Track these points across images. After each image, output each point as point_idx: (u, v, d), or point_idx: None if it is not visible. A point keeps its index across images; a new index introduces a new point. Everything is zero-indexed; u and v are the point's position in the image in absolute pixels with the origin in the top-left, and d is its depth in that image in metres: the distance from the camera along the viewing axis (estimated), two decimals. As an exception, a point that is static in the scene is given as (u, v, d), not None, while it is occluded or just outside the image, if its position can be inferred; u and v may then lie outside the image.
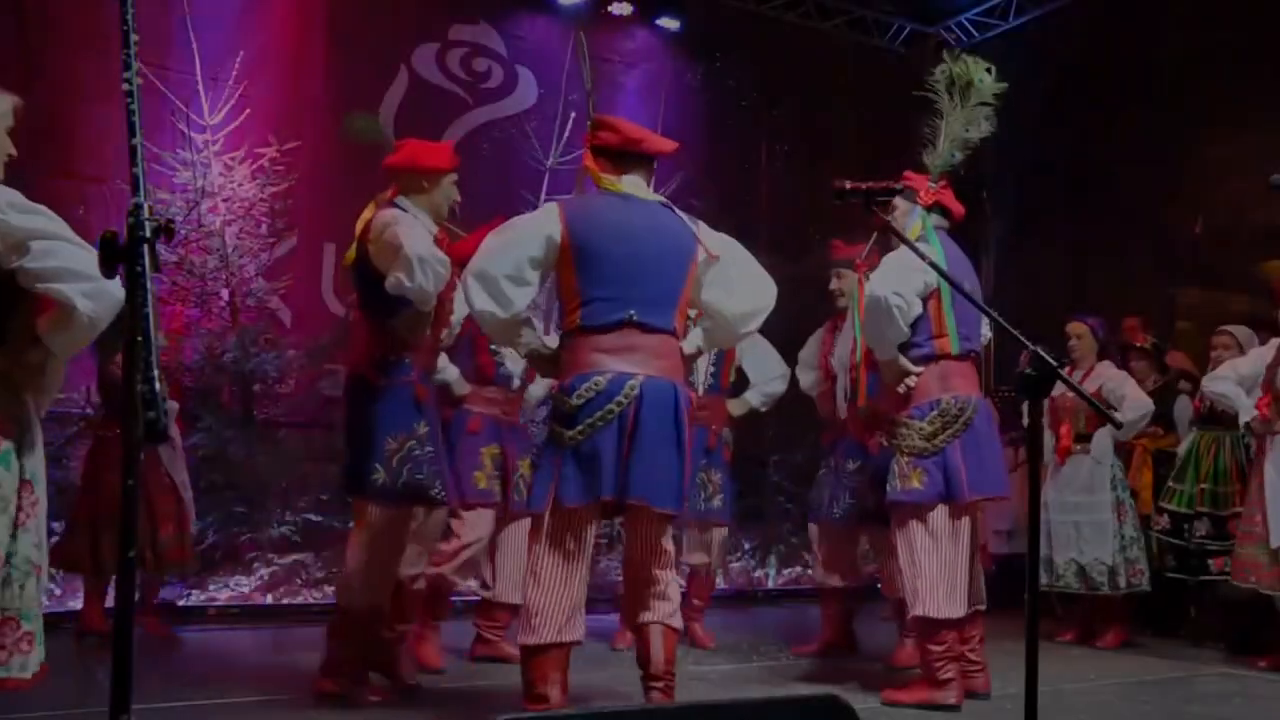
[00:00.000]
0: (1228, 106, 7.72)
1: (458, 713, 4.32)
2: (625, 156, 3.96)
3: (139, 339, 1.82)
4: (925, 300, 4.59)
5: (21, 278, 2.86)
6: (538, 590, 3.70)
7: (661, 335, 3.79)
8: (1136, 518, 6.45)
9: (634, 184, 3.95)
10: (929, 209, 4.75)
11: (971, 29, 9.57)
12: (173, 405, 5.96)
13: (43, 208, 2.93)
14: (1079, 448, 6.41)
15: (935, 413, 4.52)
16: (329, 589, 6.90)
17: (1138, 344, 7.03)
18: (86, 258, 2.82)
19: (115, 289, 2.89)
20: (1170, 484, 6.51)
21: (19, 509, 2.94)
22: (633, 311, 3.73)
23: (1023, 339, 3.05)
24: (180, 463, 6.04)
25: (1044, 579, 6.34)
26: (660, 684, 3.76)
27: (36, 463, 3.01)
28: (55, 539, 5.55)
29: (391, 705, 4.30)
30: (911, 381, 4.59)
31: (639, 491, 3.64)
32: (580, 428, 3.65)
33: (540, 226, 3.83)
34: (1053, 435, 6.50)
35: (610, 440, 3.63)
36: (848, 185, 3.28)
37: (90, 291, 2.84)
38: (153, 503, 5.78)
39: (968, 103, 4.80)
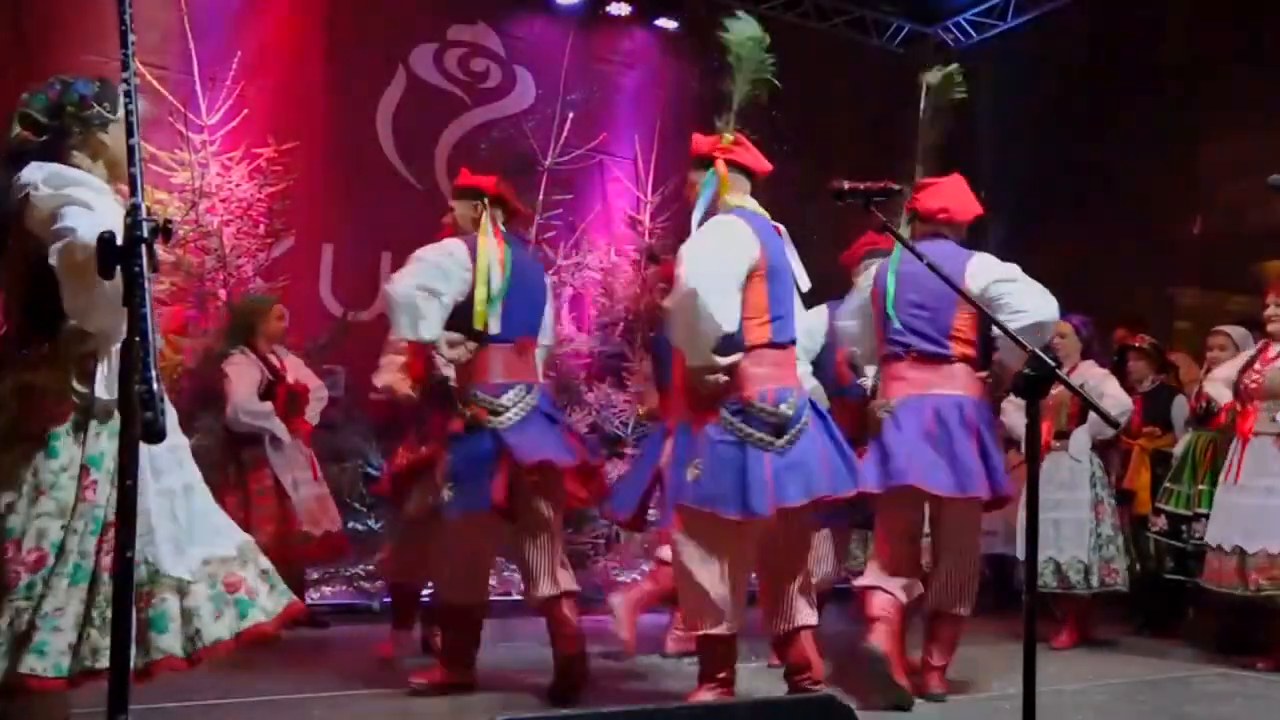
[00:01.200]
0: (1226, 107, 7.73)
1: (458, 712, 4.32)
2: (754, 179, 4.29)
3: (136, 339, 1.81)
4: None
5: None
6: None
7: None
8: (1115, 517, 6.39)
9: (757, 206, 4.25)
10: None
11: (970, 29, 9.58)
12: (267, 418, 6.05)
13: (87, 178, 2.89)
14: (1058, 444, 6.38)
15: None
16: (326, 589, 6.90)
17: (1136, 344, 7.01)
18: (80, 213, 2.75)
19: (85, 239, 2.71)
20: (1167, 484, 6.47)
21: (78, 496, 2.85)
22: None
23: (1019, 340, 3.05)
24: (294, 463, 6.06)
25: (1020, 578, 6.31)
26: None
27: (100, 447, 2.90)
28: None
29: (391, 704, 4.30)
30: None
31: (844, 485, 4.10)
32: (790, 435, 3.98)
33: (747, 243, 4.06)
34: None
35: (813, 444, 4.03)
36: (846, 186, 3.28)
37: (63, 247, 2.71)
38: (250, 503, 5.88)
39: (938, 109, 4.93)
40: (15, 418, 2.87)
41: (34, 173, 2.89)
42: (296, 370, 6.32)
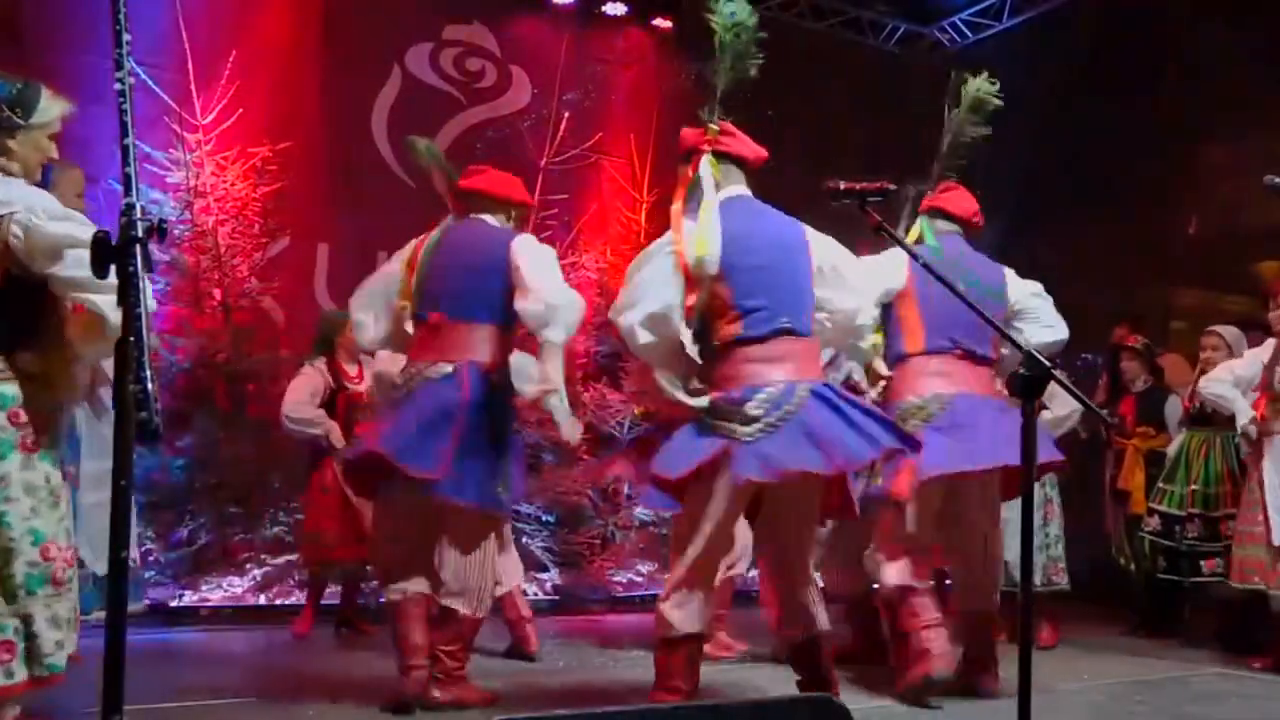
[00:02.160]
0: (1223, 108, 7.73)
1: (456, 712, 4.31)
2: (746, 167, 4.23)
3: (131, 339, 1.81)
4: (891, 304, 4.72)
5: (54, 284, 2.93)
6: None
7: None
8: (1063, 517, 6.34)
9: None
10: (929, 214, 4.98)
11: (966, 30, 9.57)
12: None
13: (75, 213, 2.96)
14: None
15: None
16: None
17: (1129, 344, 7.01)
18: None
19: (147, 301, 2.97)
20: (1161, 485, 6.47)
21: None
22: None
23: (1015, 340, 3.05)
24: None
25: None
26: None
27: (63, 454, 3.10)
28: None
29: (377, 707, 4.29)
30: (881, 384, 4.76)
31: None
32: (758, 427, 3.77)
33: (689, 249, 4.03)
34: None
35: (797, 429, 3.78)
36: (841, 185, 3.26)
37: None
38: (314, 502, 6.12)
39: (965, 111, 4.96)
40: (4, 427, 2.94)
41: (17, 194, 2.94)
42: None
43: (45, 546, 2.91)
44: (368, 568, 6.17)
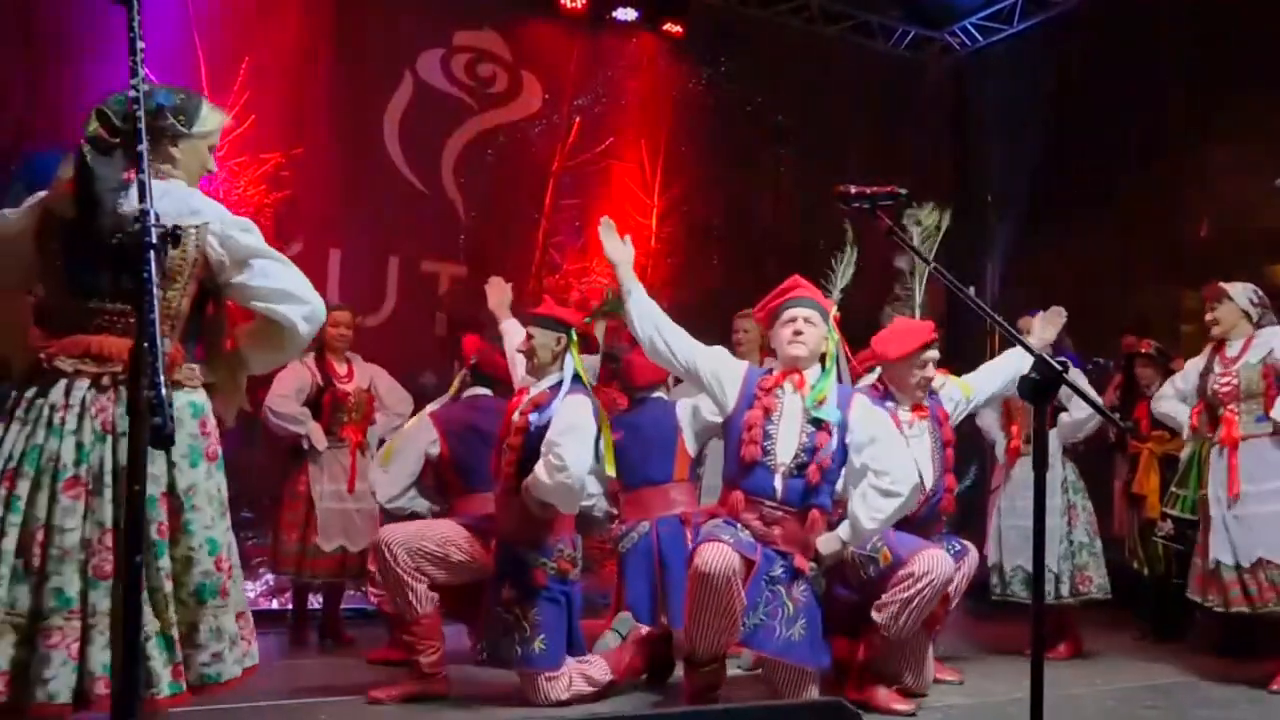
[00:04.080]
0: (1233, 110, 7.71)
1: (460, 714, 4.32)
2: None
3: (145, 345, 1.83)
4: None
5: (236, 293, 2.93)
6: None
7: None
8: (1092, 523, 6.25)
9: None
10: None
11: (976, 34, 9.57)
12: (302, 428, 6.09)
13: (252, 223, 2.98)
14: (1027, 449, 6.05)
15: None
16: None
17: (1142, 349, 7.00)
18: (302, 281, 2.96)
19: (324, 312, 3.04)
20: (1173, 489, 6.42)
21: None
22: None
23: (1025, 344, 3.06)
24: (328, 472, 6.07)
25: (997, 588, 6.19)
26: None
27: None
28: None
29: (397, 709, 4.30)
30: None
31: None
32: None
33: None
34: (1004, 435, 6.34)
35: None
36: (851, 190, 3.26)
37: (309, 315, 2.96)
38: (283, 507, 6.06)
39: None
40: (196, 435, 2.91)
41: (201, 204, 2.93)
42: (376, 379, 6.30)
43: (219, 558, 2.88)
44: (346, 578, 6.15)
